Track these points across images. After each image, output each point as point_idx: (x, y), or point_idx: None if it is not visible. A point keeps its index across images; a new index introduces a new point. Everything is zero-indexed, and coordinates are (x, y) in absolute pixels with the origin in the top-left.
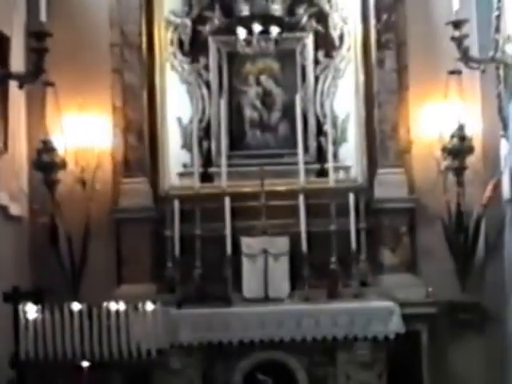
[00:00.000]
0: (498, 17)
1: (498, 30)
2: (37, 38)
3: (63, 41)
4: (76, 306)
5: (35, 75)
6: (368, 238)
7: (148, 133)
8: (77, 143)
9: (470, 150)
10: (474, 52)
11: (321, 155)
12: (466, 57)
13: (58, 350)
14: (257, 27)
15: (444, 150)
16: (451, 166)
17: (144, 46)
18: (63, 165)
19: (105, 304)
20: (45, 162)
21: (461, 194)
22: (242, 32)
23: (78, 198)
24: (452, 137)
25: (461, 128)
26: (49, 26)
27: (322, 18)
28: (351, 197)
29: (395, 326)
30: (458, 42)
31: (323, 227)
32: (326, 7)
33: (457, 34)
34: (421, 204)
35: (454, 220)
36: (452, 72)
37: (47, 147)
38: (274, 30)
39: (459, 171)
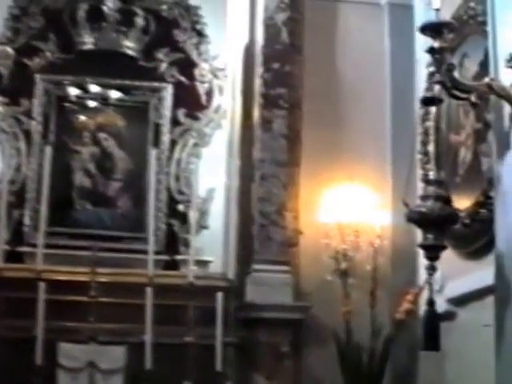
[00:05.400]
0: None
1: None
2: None
3: None
4: None
5: None
6: (237, 357)
7: None
8: None
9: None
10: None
11: (172, 243)
12: (451, 80)
13: None
14: (94, 87)
15: (411, 218)
16: (423, 244)
17: None
18: None
19: None
20: None
21: (433, 289)
22: (73, 91)
23: None
24: (425, 198)
25: (439, 184)
26: None
27: (186, 67)
28: (219, 298)
29: None
30: (439, 55)
31: (176, 338)
32: (193, 55)
33: (437, 44)
34: (310, 315)
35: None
36: (428, 100)
37: None
38: (114, 94)
39: (435, 252)
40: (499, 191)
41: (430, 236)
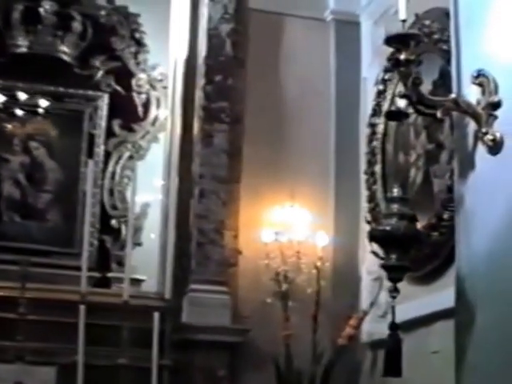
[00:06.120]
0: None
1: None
2: None
3: None
4: None
5: None
6: (173, 381)
7: None
8: None
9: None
10: None
11: (104, 259)
12: (417, 94)
13: None
14: (26, 93)
15: (374, 237)
16: (386, 264)
17: None
18: None
19: None
20: None
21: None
22: (2, 97)
23: None
24: (388, 216)
25: (404, 201)
26: None
27: (123, 76)
28: (156, 319)
29: None
30: (405, 68)
31: (109, 359)
32: (131, 64)
33: (403, 56)
34: (248, 338)
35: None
36: (393, 115)
37: None
38: (46, 102)
39: (398, 273)
40: (461, 213)
41: (393, 256)
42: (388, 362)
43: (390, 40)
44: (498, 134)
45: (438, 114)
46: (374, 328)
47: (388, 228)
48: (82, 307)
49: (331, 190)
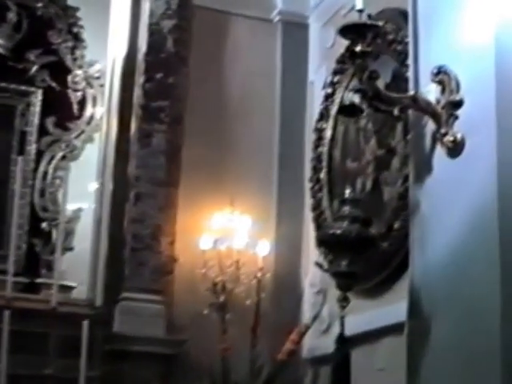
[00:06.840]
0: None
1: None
2: None
3: None
4: None
5: None
6: None
7: None
8: None
9: (372, 243)
10: None
11: (32, 264)
12: (373, 89)
13: None
14: None
15: (323, 241)
16: (336, 271)
17: None
18: None
19: None
20: None
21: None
22: None
23: None
24: (339, 218)
25: (355, 203)
26: None
27: (59, 72)
28: (85, 327)
29: None
30: (361, 60)
31: (34, 369)
32: (68, 59)
33: (359, 48)
34: (184, 350)
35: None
36: (346, 110)
37: None
38: None
39: (349, 280)
40: (416, 219)
41: (344, 262)
42: (335, 377)
43: (345, 30)
44: (458, 135)
45: (395, 112)
46: (315, 343)
47: (339, 232)
48: (7, 312)
49: (274, 196)
